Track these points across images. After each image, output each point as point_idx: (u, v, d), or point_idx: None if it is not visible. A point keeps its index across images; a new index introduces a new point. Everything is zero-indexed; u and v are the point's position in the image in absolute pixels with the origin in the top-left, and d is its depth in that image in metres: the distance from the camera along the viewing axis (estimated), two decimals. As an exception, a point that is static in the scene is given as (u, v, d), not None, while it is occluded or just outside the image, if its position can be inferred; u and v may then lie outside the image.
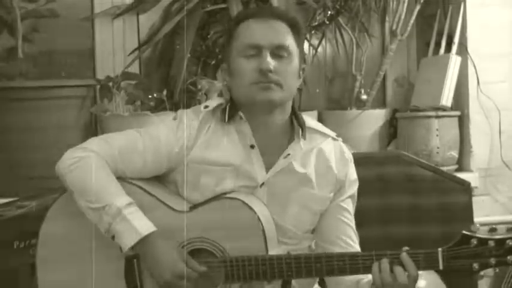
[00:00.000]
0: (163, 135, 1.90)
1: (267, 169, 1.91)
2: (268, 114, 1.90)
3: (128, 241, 1.77)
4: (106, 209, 1.79)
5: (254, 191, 1.90)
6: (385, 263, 1.74)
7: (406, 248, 1.77)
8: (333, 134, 2.01)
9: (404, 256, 1.75)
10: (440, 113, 3.03)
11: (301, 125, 1.94)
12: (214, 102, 1.96)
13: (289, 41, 1.89)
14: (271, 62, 1.85)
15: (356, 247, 1.98)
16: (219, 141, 1.91)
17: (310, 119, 2.00)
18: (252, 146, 1.90)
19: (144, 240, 1.77)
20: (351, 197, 2.01)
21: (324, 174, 1.96)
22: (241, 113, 1.90)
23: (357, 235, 2.01)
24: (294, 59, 1.90)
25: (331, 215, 1.98)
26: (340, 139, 2.02)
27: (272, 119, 1.91)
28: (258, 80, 1.85)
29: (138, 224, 1.78)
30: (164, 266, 1.77)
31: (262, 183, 1.90)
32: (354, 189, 2.01)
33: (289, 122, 1.95)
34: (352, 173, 2.01)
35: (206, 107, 1.94)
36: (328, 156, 1.97)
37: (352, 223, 2.00)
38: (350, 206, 2.00)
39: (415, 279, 1.75)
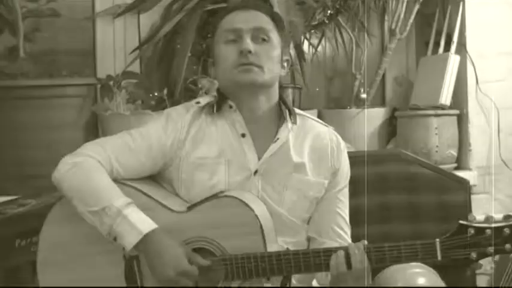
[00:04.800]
0: (153, 132, 1.93)
1: (259, 157, 1.92)
2: (254, 99, 1.93)
3: (130, 240, 1.78)
4: (106, 211, 1.79)
5: (249, 180, 1.91)
6: (341, 254, 1.76)
7: (364, 241, 1.79)
8: (323, 122, 2.05)
9: (351, 247, 1.77)
10: (439, 112, 3.03)
11: (289, 108, 1.98)
12: (206, 99, 1.99)
13: (270, 27, 1.94)
14: (250, 44, 1.89)
15: (348, 239, 1.99)
16: (210, 134, 1.93)
17: (299, 110, 2.04)
18: (243, 135, 1.92)
19: (147, 238, 1.78)
20: (345, 186, 2.02)
21: (319, 159, 1.98)
22: (231, 102, 1.94)
23: (349, 227, 2.02)
24: (275, 46, 1.94)
25: (326, 206, 2.00)
26: (331, 127, 2.05)
27: (259, 104, 1.94)
28: (239, 62, 1.89)
29: (139, 223, 1.78)
30: (167, 263, 1.77)
31: (256, 171, 1.92)
32: (348, 177, 2.04)
33: (277, 109, 1.98)
34: (346, 161, 2.03)
35: (198, 102, 1.97)
36: (324, 141, 2.00)
37: (346, 215, 2.02)
38: (344, 196, 2.02)
39: (358, 273, 1.76)
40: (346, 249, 1.78)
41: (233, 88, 1.93)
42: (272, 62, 1.92)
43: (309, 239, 2.01)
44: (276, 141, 1.93)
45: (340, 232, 1.99)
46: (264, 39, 1.92)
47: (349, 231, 2.01)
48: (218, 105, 1.95)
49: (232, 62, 1.90)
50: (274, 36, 1.94)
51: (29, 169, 2.71)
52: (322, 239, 1.98)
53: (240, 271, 1.79)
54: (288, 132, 1.95)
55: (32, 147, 2.72)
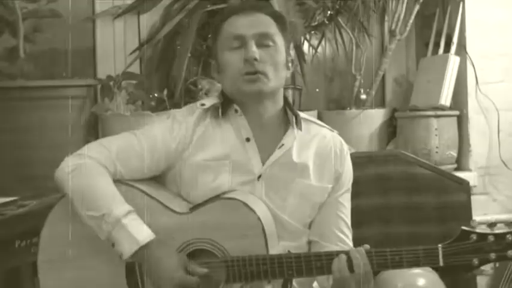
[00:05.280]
0: (158, 134, 1.92)
1: (263, 161, 1.92)
2: (260, 104, 1.92)
3: (127, 250, 1.78)
4: (105, 218, 1.79)
5: (252, 184, 1.91)
6: (343, 258, 1.76)
7: (367, 246, 1.79)
8: (327, 126, 2.04)
9: (352, 251, 1.77)
10: (439, 113, 3.04)
11: (295, 114, 1.96)
12: (210, 100, 1.98)
13: (274, 31, 1.91)
14: (256, 51, 1.87)
15: (349, 243, 1.99)
16: (215, 137, 1.92)
17: (303, 113, 2.02)
18: (247, 139, 1.92)
19: (143, 249, 1.78)
20: (348, 191, 2.02)
21: (322, 164, 1.97)
22: (236, 106, 1.92)
23: (351, 231, 2.02)
24: (279, 49, 1.91)
25: (328, 210, 1.99)
26: (335, 131, 2.04)
27: (264, 109, 1.93)
28: (244, 70, 1.87)
29: (137, 233, 1.78)
30: (163, 276, 1.78)
31: (260, 176, 1.91)
32: (350, 182, 2.03)
33: (283, 114, 1.97)
34: (349, 165, 2.03)
35: (203, 104, 1.96)
36: (328, 146, 1.99)
37: (348, 219, 2.02)
38: (346, 200, 2.02)
39: (360, 277, 1.75)
40: (347, 253, 1.78)
41: (239, 95, 1.92)
42: (278, 67, 1.91)
43: (309, 243, 2.00)
44: (280, 147, 1.93)
45: (341, 236, 1.99)
46: (268, 45, 1.90)
47: (350, 235, 2.01)
48: (223, 109, 1.94)
49: (238, 71, 1.88)
50: (279, 39, 1.92)
51: (29, 170, 2.71)
52: (323, 242, 1.98)
53: (241, 273, 1.79)
54: (293, 138, 1.94)
55: (32, 148, 2.71)
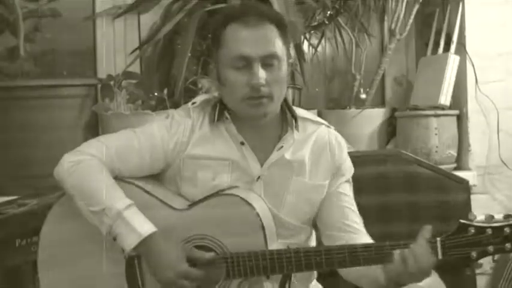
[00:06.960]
0: (157, 132, 1.92)
1: (261, 163, 1.92)
2: (259, 120, 1.89)
3: (129, 243, 1.78)
4: (106, 212, 1.79)
5: (251, 185, 1.91)
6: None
7: (428, 226, 1.78)
8: (325, 122, 2.02)
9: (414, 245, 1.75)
10: (439, 112, 3.04)
11: (295, 117, 1.94)
12: (200, 98, 1.98)
13: (278, 46, 1.84)
14: (262, 76, 1.81)
15: (362, 230, 1.98)
16: (213, 138, 1.92)
17: (300, 110, 2.01)
18: (242, 143, 1.91)
19: (146, 241, 1.78)
20: (347, 181, 2.01)
21: (319, 161, 1.97)
22: (226, 114, 1.91)
23: (360, 218, 2.00)
24: (283, 64, 1.86)
25: (332, 203, 1.99)
26: (332, 127, 2.03)
27: (263, 121, 1.90)
28: (249, 95, 1.82)
29: (139, 225, 1.79)
30: (167, 266, 1.78)
31: (258, 177, 1.92)
32: (349, 174, 2.02)
33: (279, 115, 1.95)
34: (347, 159, 2.02)
35: (193, 103, 1.95)
36: (324, 143, 1.98)
37: (354, 207, 2.00)
38: (347, 190, 2.01)
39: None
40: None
41: (240, 115, 1.89)
42: (281, 85, 1.86)
43: (329, 237, 1.98)
44: (280, 148, 1.92)
45: (353, 225, 1.97)
46: (273, 64, 1.83)
47: (360, 221, 1.99)
48: (219, 114, 1.91)
49: (242, 94, 1.83)
50: (283, 52, 1.86)
51: (29, 169, 2.72)
52: (340, 233, 1.96)
53: (241, 269, 1.79)
54: (292, 141, 1.93)
55: (33, 147, 2.72)
